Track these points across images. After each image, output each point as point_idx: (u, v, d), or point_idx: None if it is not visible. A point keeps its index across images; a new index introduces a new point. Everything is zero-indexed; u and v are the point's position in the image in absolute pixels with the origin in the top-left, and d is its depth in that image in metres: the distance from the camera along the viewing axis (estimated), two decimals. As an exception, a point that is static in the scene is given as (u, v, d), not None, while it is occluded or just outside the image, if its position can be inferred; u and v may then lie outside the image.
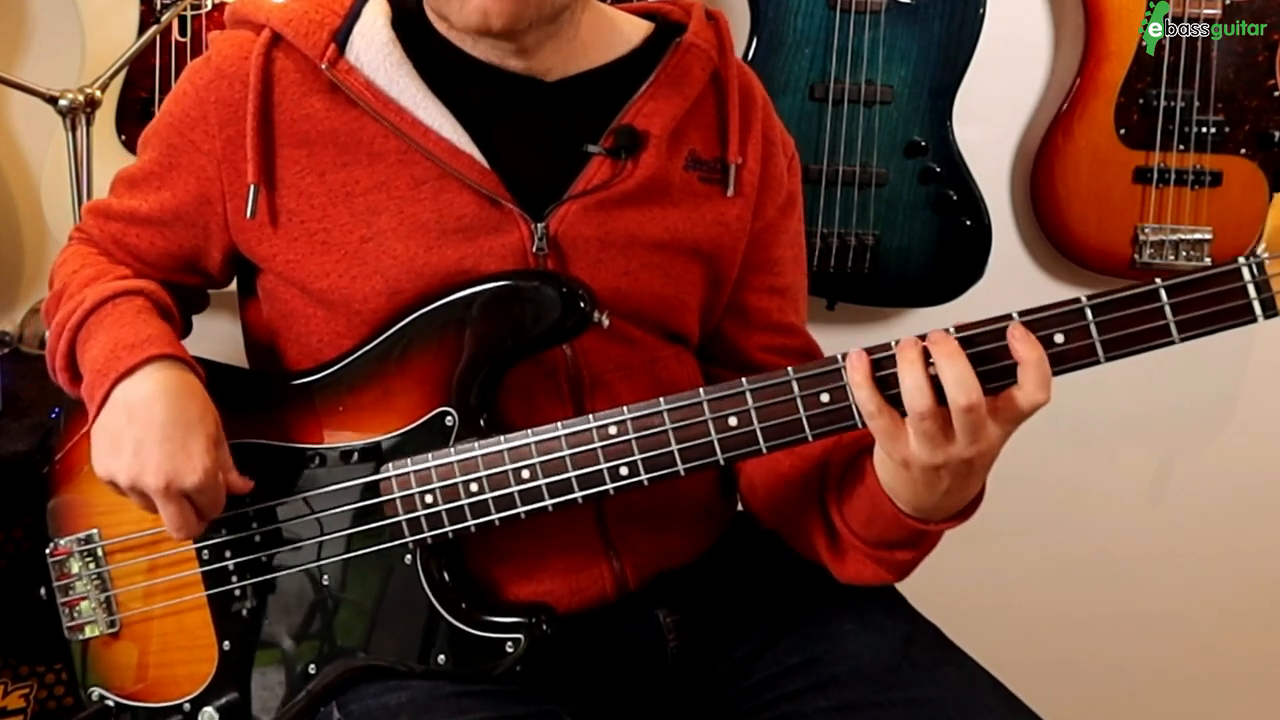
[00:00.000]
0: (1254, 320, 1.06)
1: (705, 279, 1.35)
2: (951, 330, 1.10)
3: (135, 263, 1.36)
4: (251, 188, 1.27)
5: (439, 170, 1.25)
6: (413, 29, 1.30)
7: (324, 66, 1.26)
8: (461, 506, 1.22)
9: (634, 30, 1.37)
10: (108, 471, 1.22)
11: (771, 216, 1.39)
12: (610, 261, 1.28)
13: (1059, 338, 1.08)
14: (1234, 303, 1.05)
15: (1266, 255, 1.05)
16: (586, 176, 1.28)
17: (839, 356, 1.13)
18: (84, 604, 1.37)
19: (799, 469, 1.31)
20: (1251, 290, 1.05)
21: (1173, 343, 1.07)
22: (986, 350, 1.09)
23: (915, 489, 1.15)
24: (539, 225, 1.26)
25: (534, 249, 1.26)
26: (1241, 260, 1.05)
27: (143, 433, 1.20)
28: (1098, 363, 1.08)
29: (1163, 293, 1.06)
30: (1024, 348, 1.07)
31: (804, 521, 1.31)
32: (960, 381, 1.07)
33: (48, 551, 1.38)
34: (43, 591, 1.39)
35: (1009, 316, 1.09)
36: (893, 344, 1.11)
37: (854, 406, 1.12)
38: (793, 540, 1.35)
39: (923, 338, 1.10)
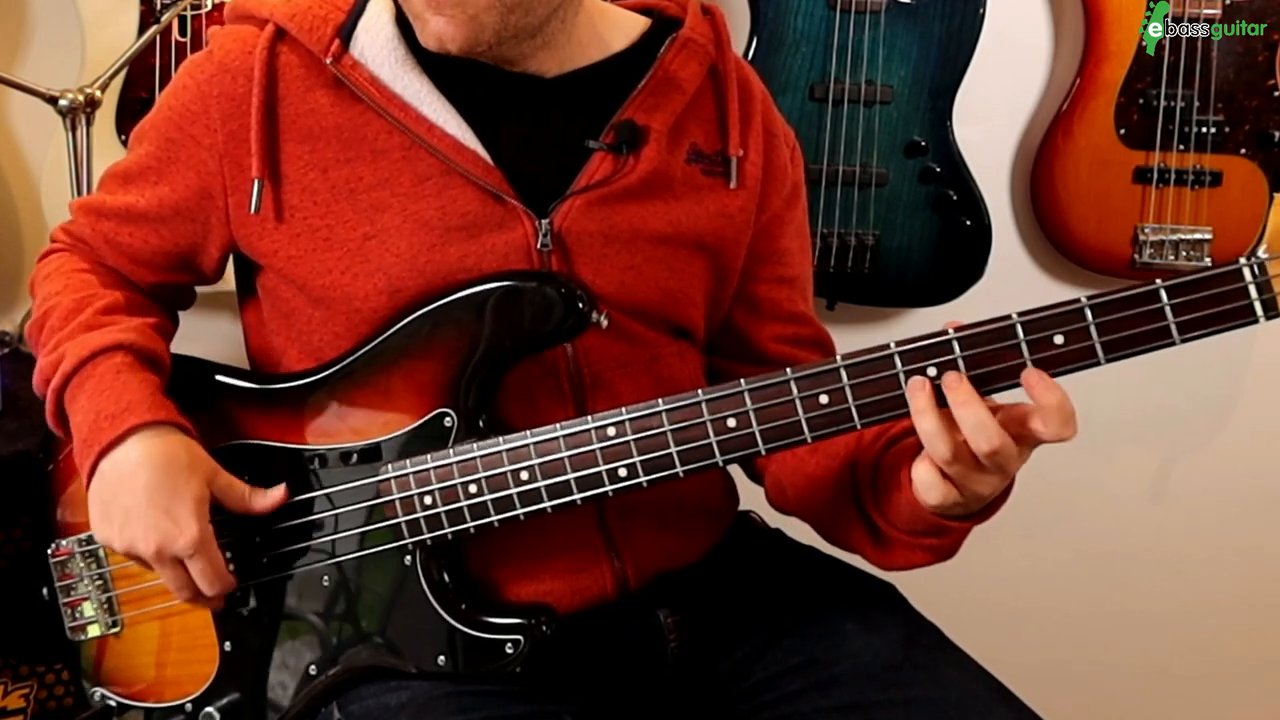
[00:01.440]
0: (1255, 321, 1.05)
1: (710, 272, 1.35)
2: (951, 331, 1.10)
3: (128, 264, 1.36)
4: (255, 183, 1.27)
5: (443, 166, 1.25)
6: None
7: (329, 62, 1.26)
8: (461, 508, 1.22)
9: (631, 26, 1.37)
10: (104, 538, 1.24)
11: (777, 208, 1.39)
12: (614, 256, 1.28)
13: (1059, 339, 1.08)
14: (1235, 303, 1.05)
15: (1267, 256, 1.05)
16: (589, 172, 1.28)
17: (838, 357, 1.13)
18: (86, 605, 1.37)
19: (828, 468, 1.32)
20: (1253, 291, 1.05)
21: (1173, 344, 1.06)
22: (990, 351, 1.09)
23: (962, 509, 1.17)
24: (543, 221, 1.26)
25: (538, 245, 1.26)
26: (1242, 260, 1.05)
27: (130, 502, 1.21)
28: (1098, 364, 1.08)
29: (1163, 293, 1.06)
30: (1044, 395, 1.08)
31: (841, 520, 1.31)
32: (980, 428, 1.08)
33: (50, 552, 1.38)
34: (45, 592, 1.39)
35: (1008, 317, 1.09)
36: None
37: (853, 408, 1.12)
38: (829, 536, 1.35)
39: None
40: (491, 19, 1.20)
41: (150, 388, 1.26)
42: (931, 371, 1.10)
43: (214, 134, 1.28)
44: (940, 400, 1.10)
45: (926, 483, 1.13)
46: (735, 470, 1.42)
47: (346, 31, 1.27)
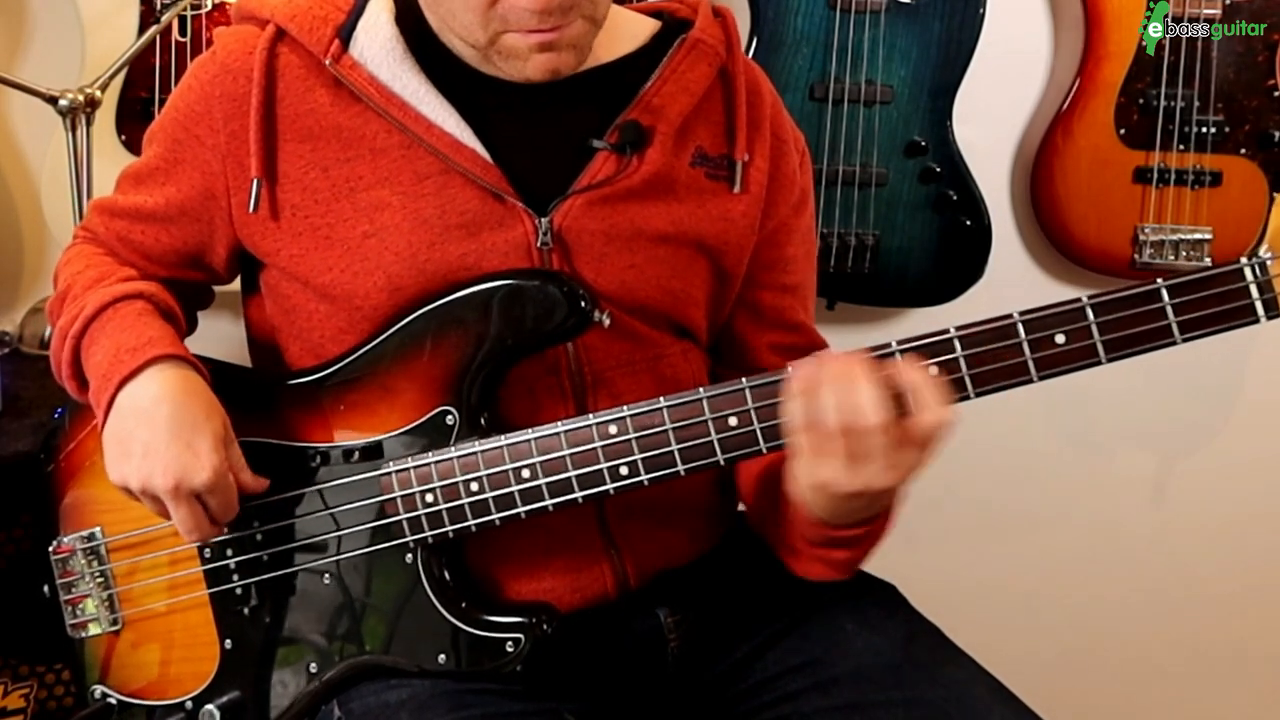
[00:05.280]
0: (1256, 321, 1.06)
1: (711, 273, 1.35)
2: (952, 330, 1.10)
3: (141, 260, 1.36)
4: (255, 182, 1.27)
5: (442, 165, 1.26)
6: (417, 25, 1.30)
7: (328, 62, 1.26)
8: (462, 506, 1.22)
9: (641, 28, 1.37)
10: (120, 476, 1.23)
11: (784, 215, 1.39)
12: (615, 255, 1.28)
13: (1060, 338, 1.08)
14: (1236, 303, 1.06)
15: (1269, 255, 1.05)
16: (591, 171, 1.28)
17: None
18: (87, 602, 1.37)
19: (758, 475, 1.33)
20: (1254, 291, 1.05)
21: (1174, 343, 1.07)
22: (992, 350, 1.09)
23: (831, 507, 1.16)
24: (543, 220, 1.26)
25: (538, 244, 1.26)
26: (1244, 260, 1.05)
27: (149, 435, 1.20)
28: (1099, 363, 1.08)
29: (1164, 292, 1.06)
30: (907, 375, 1.07)
31: (766, 522, 1.33)
32: (858, 408, 1.06)
33: (50, 550, 1.38)
34: (45, 590, 1.39)
35: (1010, 316, 1.09)
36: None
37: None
38: (766, 539, 1.36)
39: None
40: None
41: (171, 331, 1.28)
42: (932, 370, 1.10)
43: (217, 134, 1.28)
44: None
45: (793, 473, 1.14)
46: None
47: (346, 32, 1.27)
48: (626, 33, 1.35)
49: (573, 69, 1.24)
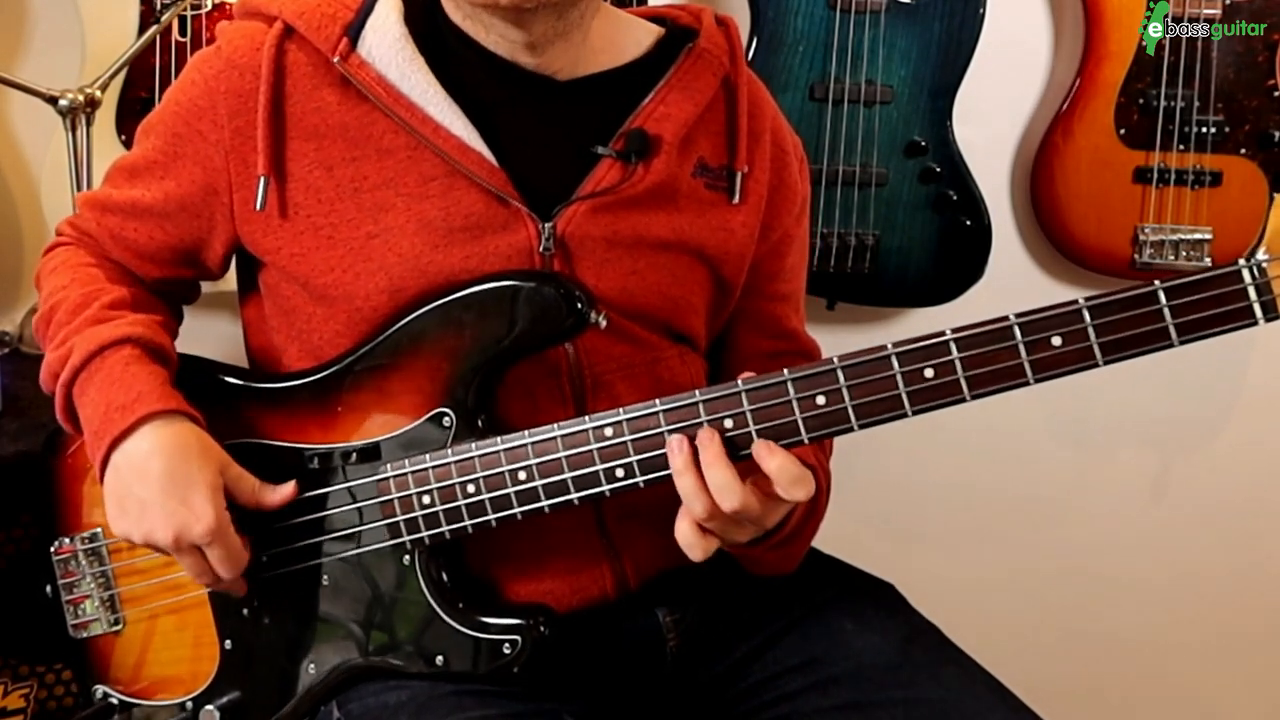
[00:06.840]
0: (1254, 323, 1.05)
1: (711, 282, 1.35)
2: (948, 332, 1.10)
3: (133, 259, 1.36)
4: (261, 180, 1.27)
5: (448, 167, 1.25)
6: (425, 24, 1.29)
7: (336, 60, 1.25)
8: (459, 507, 1.22)
9: (644, 35, 1.36)
10: (122, 531, 1.24)
11: (788, 225, 1.40)
12: (617, 261, 1.28)
13: (1057, 340, 1.08)
14: (1234, 305, 1.05)
15: (1267, 257, 1.05)
16: (596, 178, 1.28)
17: (834, 358, 1.13)
18: (88, 602, 1.37)
19: None
20: (1252, 293, 1.05)
21: (1172, 345, 1.06)
22: (988, 353, 1.09)
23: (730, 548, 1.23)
24: (546, 225, 1.26)
25: (540, 248, 1.26)
26: (1242, 262, 1.05)
27: (144, 492, 1.21)
28: (1096, 365, 1.08)
29: (1162, 294, 1.06)
30: (764, 461, 1.13)
31: None
32: (724, 488, 1.13)
33: (52, 550, 1.39)
34: (48, 590, 1.40)
35: (1006, 318, 1.09)
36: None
37: (849, 409, 1.13)
38: None
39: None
40: None
41: (159, 379, 1.26)
42: (929, 373, 1.10)
43: (220, 130, 1.28)
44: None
45: (687, 540, 1.18)
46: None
47: (354, 30, 1.27)
48: (630, 40, 1.35)
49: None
